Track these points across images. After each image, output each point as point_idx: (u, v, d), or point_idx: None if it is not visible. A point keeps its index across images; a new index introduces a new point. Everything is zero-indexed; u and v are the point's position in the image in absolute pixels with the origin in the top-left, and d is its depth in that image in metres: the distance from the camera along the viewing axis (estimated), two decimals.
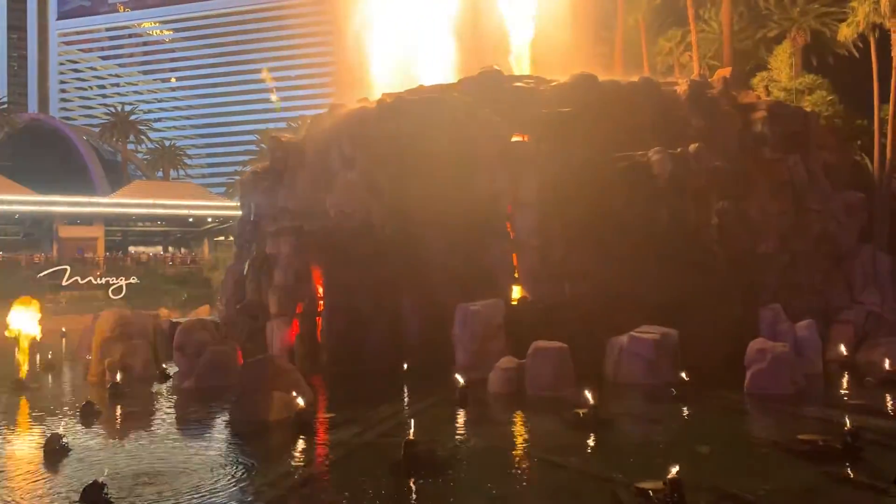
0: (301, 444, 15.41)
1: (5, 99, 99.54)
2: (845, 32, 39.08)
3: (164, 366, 24.28)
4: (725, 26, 40.49)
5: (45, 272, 56.53)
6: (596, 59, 33.51)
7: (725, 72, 31.33)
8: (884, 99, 36.76)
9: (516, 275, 26.02)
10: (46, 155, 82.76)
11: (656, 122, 27.71)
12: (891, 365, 20.43)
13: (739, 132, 28.25)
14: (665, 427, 16.66)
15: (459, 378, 19.60)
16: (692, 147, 26.28)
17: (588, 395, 16.32)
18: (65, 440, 14.32)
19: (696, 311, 23.21)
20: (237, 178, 79.54)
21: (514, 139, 27.23)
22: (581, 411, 16.13)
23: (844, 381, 21.50)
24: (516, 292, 25.73)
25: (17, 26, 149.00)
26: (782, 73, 42.04)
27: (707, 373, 20.40)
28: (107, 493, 10.47)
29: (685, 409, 18.08)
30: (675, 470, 10.47)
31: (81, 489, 10.68)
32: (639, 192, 25.40)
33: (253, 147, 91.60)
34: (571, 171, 26.05)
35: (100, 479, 10.73)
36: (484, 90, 28.17)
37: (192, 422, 18.27)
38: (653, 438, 15.52)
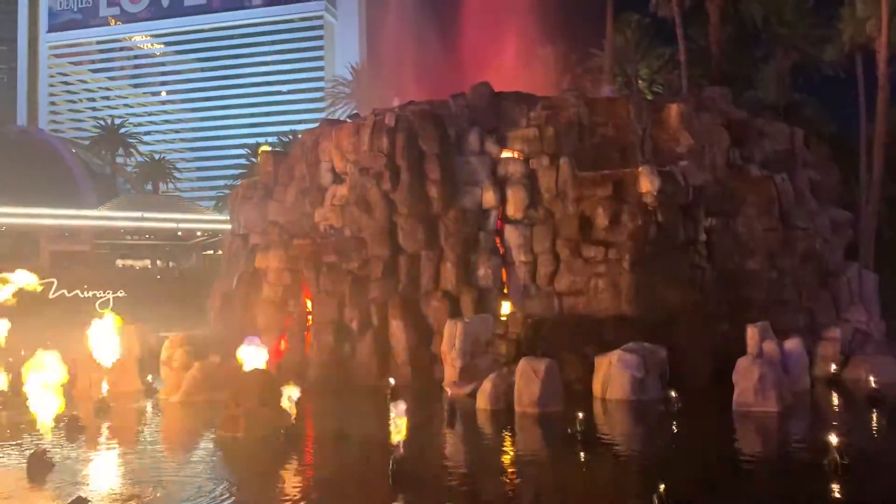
0: (289, 460, 15.32)
1: None
2: (831, 52, 39.65)
3: (150, 380, 24.06)
4: (714, 45, 40.93)
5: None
6: (585, 76, 33.81)
7: (713, 90, 31.64)
8: (870, 117, 37.25)
9: (505, 290, 26.03)
10: (34, 167, 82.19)
11: (645, 138, 27.92)
12: (877, 382, 20.52)
13: (727, 150, 28.47)
14: (653, 444, 16.66)
15: (448, 394, 19.59)
16: (680, 164, 26.47)
17: (577, 412, 16.32)
18: (49, 455, 14.17)
19: (683, 327, 23.27)
20: (227, 192, 79.44)
21: (504, 155, 27.34)
22: (569, 428, 16.13)
23: (831, 398, 21.59)
24: (505, 308, 25.72)
25: (7, 38, 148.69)
26: (770, 91, 42.52)
27: (695, 390, 20.44)
28: None
29: (673, 426, 18.11)
30: (661, 487, 10.49)
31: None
32: (627, 208, 25.50)
33: (243, 161, 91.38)
34: (561, 187, 26.18)
35: (83, 495, 10.62)
36: (474, 106, 28.29)
37: (178, 437, 18.13)
38: (641, 455, 15.51)
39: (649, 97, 32.69)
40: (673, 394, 19.31)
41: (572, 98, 28.38)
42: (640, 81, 44.95)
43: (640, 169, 25.96)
